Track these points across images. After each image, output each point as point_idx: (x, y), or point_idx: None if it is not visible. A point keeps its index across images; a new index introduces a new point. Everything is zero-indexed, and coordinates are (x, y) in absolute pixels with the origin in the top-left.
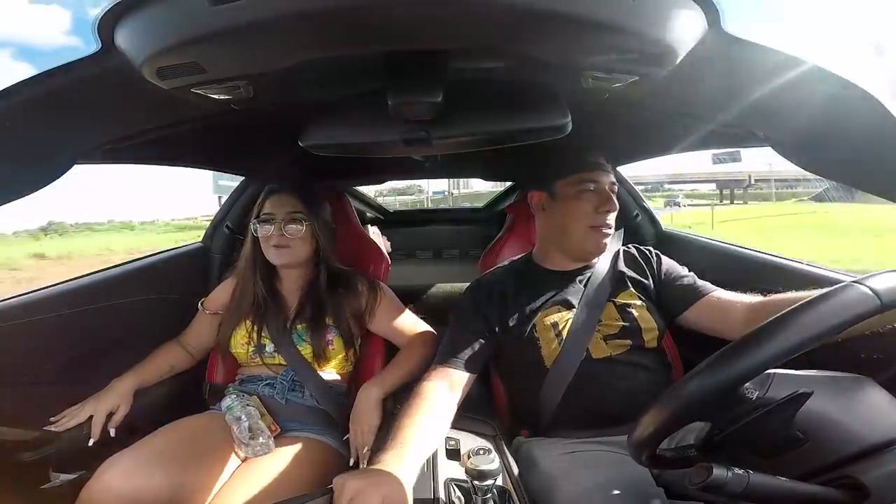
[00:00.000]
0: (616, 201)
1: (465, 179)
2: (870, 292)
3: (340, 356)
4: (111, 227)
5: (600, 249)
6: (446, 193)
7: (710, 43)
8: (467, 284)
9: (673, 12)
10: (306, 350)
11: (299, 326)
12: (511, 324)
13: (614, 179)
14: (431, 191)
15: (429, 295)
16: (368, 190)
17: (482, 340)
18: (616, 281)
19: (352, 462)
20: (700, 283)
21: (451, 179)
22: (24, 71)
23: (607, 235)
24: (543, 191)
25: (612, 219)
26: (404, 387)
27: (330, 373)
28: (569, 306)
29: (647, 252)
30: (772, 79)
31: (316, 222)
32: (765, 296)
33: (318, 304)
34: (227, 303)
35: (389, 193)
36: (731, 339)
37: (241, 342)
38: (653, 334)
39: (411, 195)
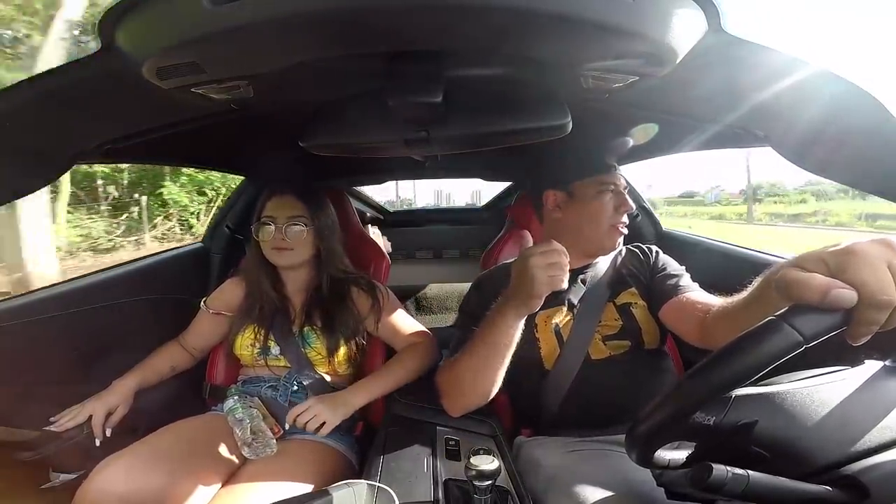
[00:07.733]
0: (631, 201)
1: (448, 195)
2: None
3: (345, 359)
4: None
5: (617, 246)
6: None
7: (710, 43)
8: (467, 284)
9: (673, 13)
10: (312, 353)
11: (307, 329)
12: None
13: (626, 181)
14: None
15: (429, 295)
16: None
17: None
18: (616, 281)
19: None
20: (683, 282)
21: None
22: None
23: (623, 234)
24: (561, 191)
25: (626, 218)
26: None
27: (333, 375)
28: (569, 306)
29: (648, 249)
30: (772, 79)
31: (318, 225)
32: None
33: (324, 308)
34: (232, 304)
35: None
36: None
37: (246, 343)
38: (653, 335)
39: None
